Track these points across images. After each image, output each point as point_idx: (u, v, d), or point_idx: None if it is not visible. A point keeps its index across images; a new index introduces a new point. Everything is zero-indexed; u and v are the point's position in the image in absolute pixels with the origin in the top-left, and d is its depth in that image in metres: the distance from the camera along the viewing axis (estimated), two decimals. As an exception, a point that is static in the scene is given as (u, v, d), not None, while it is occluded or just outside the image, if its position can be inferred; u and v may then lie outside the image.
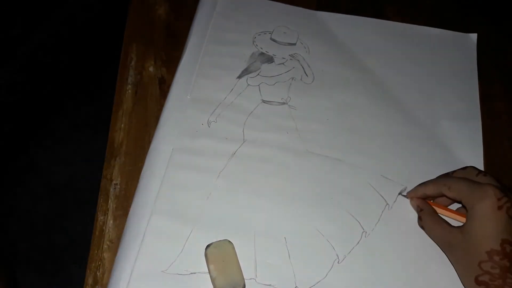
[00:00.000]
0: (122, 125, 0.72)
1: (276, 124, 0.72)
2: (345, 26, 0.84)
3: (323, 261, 0.62)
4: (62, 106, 1.76)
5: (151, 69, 0.78)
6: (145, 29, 0.83)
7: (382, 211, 0.66)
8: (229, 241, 0.60)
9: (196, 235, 0.62)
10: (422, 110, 0.76)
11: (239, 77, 0.76)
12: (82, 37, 1.90)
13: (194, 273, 0.59)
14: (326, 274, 0.61)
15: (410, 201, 0.66)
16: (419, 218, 0.64)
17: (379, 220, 0.65)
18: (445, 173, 0.64)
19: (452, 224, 0.60)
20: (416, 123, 0.75)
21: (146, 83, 0.77)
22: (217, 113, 0.72)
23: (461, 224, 0.59)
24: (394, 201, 0.67)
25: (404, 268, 0.62)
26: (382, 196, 0.67)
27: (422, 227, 0.63)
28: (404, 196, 0.66)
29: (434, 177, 0.66)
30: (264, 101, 0.74)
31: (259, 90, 0.75)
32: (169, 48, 0.81)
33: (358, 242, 0.63)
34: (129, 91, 0.76)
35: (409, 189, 0.67)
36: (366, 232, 0.64)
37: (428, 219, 0.62)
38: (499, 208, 0.54)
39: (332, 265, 0.61)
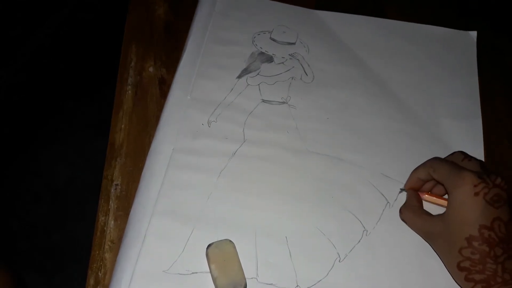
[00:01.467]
0: (123, 126, 0.73)
1: (276, 124, 0.72)
2: (345, 25, 0.84)
3: (324, 260, 0.62)
4: (63, 106, 1.77)
5: (151, 69, 0.78)
6: (145, 29, 0.83)
7: (383, 210, 0.66)
8: (230, 241, 0.60)
9: (197, 234, 0.62)
10: (422, 108, 0.76)
11: (239, 76, 0.76)
12: (82, 37, 1.90)
13: (196, 272, 0.59)
14: (328, 273, 0.61)
15: (407, 194, 0.66)
16: (400, 214, 0.64)
17: (380, 218, 0.65)
18: (436, 156, 0.64)
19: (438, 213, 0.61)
20: (416, 121, 0.75)
21: (146, 83, 0.77)
22: (217, 113, 0.72)
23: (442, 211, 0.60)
24: (395, 200, 0.67)
25: (405, 266, 0.62)
26: (382, 195, 0.67)
27: (403, 221, 0.64)
28: (405, 190, 0.67)
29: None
30: (264, 101, 0.74)
31: (259, 90, 0.75)
32: (169, 48, 0.81)
33: (359, 241, 0.63)
34: (129, 91, 0.76)
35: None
36: (367, 230, 0.64)
37: (407, 213, 0.63)
38: (476, 194, 0.54)
39: (334, 263, 0.61)
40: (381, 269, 0.62)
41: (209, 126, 0.71)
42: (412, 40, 0.83)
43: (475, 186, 0.55)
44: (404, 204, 0.64)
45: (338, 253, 0.62)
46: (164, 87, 0.76)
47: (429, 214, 0.61)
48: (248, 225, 0.63)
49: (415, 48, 0.82)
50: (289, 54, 0.79)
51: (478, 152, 0.72)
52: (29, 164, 1.66)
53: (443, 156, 0.68)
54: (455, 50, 0.83)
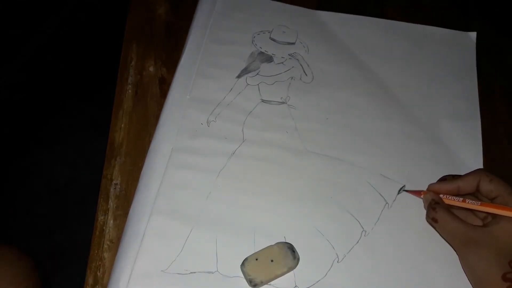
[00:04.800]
0: (122, 125, 0.73)
1: (275, 124, 0.72)
2: (345, 25, 0.84)
3: (322, 260, 0.62)
4: (63, 106, 1.76)
5: (151, 69, 0.78)
6: (145, 29, 0.83)
7: (382, 210, 0.66)
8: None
9: (196, 234, 0.62)
10: (422, 109, 0.76)
11: (239, 76, 0.76)
12: (82, 37, 1.90)
13: (194, 272, 0.59)
14: (326, 274, 0.61)
15: (425, 195, 0.65)
16: (432, 212, 0.62)
17: (378, 219, 0.65)
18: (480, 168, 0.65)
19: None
20: (415, 122, 0.75)
21: (146, 83, 0.77)
22: (217, 113, 0.72)
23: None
24: (394, 200, 0.67)
25: (404, 267, 0.62)
26: (381, 195, 0.67)
27: (432, 222, 0.62)
28: (406, 191, 0.67)
29: (433, 176, 0.66)
30: (263, 101, 0.74)
31: (258, 90, 0.75)
32: (169, 48, 0.81)
33: (358, 242, 0.63)
34: (129, 91, 0.76)
35: (408, 187, 0.67)
36: (365, 231, 0.64)
37: (444, 213, 0.61)
38: None
39: (332, 264, 0.61)
40: (380, 270, 0.62)
41: (209, 126, 0.71)
42: (412, 40, 0.83)
43: None
44: (438, 204, 0.62)
45: (336, 254, 0.62)
46: (164, 86, 0.76)
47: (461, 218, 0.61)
48: (247, 224, 0.63)
49: (415, 49, 0.82)
50: (288, 54, 0.79)
51: (476, 152, 0.72)
52: (29, 164, 1.66)
53: (442, 156, 0.68)
54: (454, 51, 0.83)
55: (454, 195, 0.63)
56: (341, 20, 0.85)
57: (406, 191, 0.67)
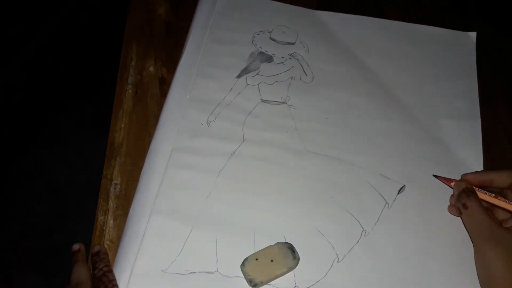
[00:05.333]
0: (122, 125, 0.73)
1: (275, 123, 0.72)
2: (345, 25, 0.84)
3: (322, 260, 0.62)
4: (63, 106, 1.76)
5: (151, 69, 0.78)
6: (145, 29, 0.83)
7: (382, 210, 0.66)
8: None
9: (196, 234, 0.62)
10: (422, 109, 0.76)
11: (238, 76, 0.76)
12: (82, 37, 1.90)
13: (194, 272, 0.59)
14: (326, 273, 0.61)
15: (457, 183, 0.64)
16: (465, 197, 0.61)
17: (378, 219, 0.65)
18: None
19: None
20: (415, 122, 0.75)
21: (146, 83, 0.77)
22: (217, 113, 0.73)
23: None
24: (394, 200, 0.67)
25: (404, 267, 0.62)
26: (381, 195, 0.67)
27: (462, 208, 0.61)
28: (436, 176, 0.67)
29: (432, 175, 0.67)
30: (263, 100, 0.74)
31: (258, 90, 0.75)
32: (169, 48, 0.81)
33: (358, 241, 0.63)
34: (129, 91, 0.76)
35: (408, 187, 0.68)
36: (365, 231, 0.64)
37: (476, 203, 0.60)
38: None
39: (332, 264, 0.61)
40: (379, 270, 0.62)
41: (208, 126, 0.71)
42: (412, 40, 0.83)
43: None
44: (471, 196, 0.61)
45: (336, 254, 0.62)
46: (164, 86, 0.76)
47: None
48: (247, 224, 0.63)
49: (414, 49, 0.82)
50: (288, 54, 0.79)
51: (476, 152, 0.72)
52: (29, 164, 1.65)
53: (442, 156, 0.68)
54: (454, 51, 0.83)
55: (486, 188, 0.63)
56: (341, 20, 0.85)
57: (436, 176, 0.67)
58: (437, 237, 0.64)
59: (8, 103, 1.75)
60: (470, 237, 0.61)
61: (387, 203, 0.66)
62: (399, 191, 0.67)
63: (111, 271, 0.59)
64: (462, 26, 0.85)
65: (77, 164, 1.65)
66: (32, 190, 1.61)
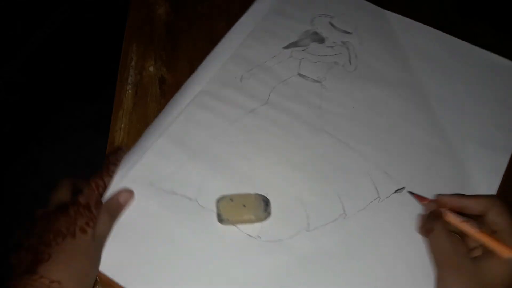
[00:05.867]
0: (123, 125, 0.74)
1: (302, 97, 0.75)
2: (409, 31, 0.85)
3: (293, 224, 0.64)
4: (63, 106, 1.75)
5: (151, 69, 0.80)
6: (145, 29, 0.84)
7: (371, 202, 0.66)
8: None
9: (191, 163, 0.67)
10: (454, 127, 0.74)
11: (286, 47, 0.80)
12: (83, 37, 1.89)
13: (176, 194, 0.65)
14: (291, 236, 0.63)
15: (429, 202, 0.64)
16: (431, 222, 0.61)
17: (364, 208, 0.66)
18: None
19: None
20: (443, 137, 0.73)
21: (146, 83, 0.78)
22: (253, 72, 0.77)
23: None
24: (387, 197, 0.67)
25: (370, 260, 0.63)
26: (376, 189, 0.67)
27: (426, 232, 0.61)
28: (411, 193, 0.66)
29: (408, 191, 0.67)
30: (299, 74, 0.77)
31: (299, 64, 0.78)
32: (169, 48, 0.82)
33: (334, 221, 0.64)
34: (129, 91, 0.77)
35: (408, 189, 0.67)
36: (346, 214, 0.65)
37: (442, 228, 0.59)
38: None
39: (300, 231, 0.64)
40: (345, 253, 0.63)
41: (241, 81, 0.76)
42: (467, 61, 0.82)
43: None
44: (438, 220, 0.60)
45: (308, 223, 0.64)
46: (164, 86, 0.78)
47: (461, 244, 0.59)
48: (238, 171, 0.67)
49: (468, 69, 0.81)
50: (341, 41, 0.81)
51: (492, 184, 0.70)
52: (29, 164, 1.65)
53: (457, 178, 0.68)
54: (508, 81, 0.80)
55: (457, 212, 0.61)
56: (408, 26, 0.85)
57: (411, 193, 0.67)
58: (410, 248, 0.63)
59: (8, 103, 1.76)
60: (433, 262, 0.60)
61: (379, 197, 0.67)
62: (397, 190, 0.67)
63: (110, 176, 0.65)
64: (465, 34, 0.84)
65: (77, 164, 1.64)
66: (32, 189, 1.58)
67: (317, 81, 0.77)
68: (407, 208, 0.65)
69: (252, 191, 0.65)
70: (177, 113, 0.72)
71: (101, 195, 0.62)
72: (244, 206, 0.62)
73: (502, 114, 0.76)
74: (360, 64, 0.80)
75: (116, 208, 0.62)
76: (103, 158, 0.69)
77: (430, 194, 0.66)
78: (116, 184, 0.65)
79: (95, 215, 0.58)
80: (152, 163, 0.67)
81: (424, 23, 0.85)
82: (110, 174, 0.64)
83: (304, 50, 0.80)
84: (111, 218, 0.61)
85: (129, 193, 0.63)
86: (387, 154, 0.70)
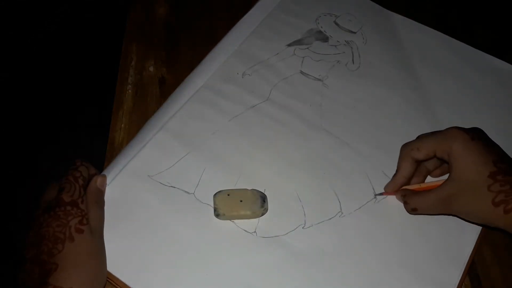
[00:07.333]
0: (123, 125, 0.73)
1: (303, 95, 0.75)
2: (414, 33, 0.85)
3: (289, 220, 0.64)
4: (63, 106, 1.76)
5: (151, 69, 0.79)
6: (145, 29, 0.84)
7: (367, 202, 0.66)
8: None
9: (189, 158, 0.68)
10: None
11: (289, 45, 0.80)
12: (83, 37, 1.87)
13: (174, 187, 0.65)
14: (287, 233, 0.63)
15: (396, 196, 0.66)
16: (406, 205, 0.63)
17: (360, 207, 0.65)
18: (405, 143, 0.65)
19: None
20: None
21: (146, 83, 0.78)
22: (255, 69, 0.77)
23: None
24: (384, 198, 0.66)
25: (365, 259, 0.62)
26: (373, 188, 0.67)
27: (414, 211, 0.63)
28: (380, 194, 0.67)
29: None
30: (301, 72, 0.77)
31: (302, 62, 0.78)
32: (169, 48, 0.82)
33: (331, 219, 0.64)
34: (129, 91, 0.77)
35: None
36: (342, 213, 0.65)
37: (414, 198, 0.62)
38: (472, 139, 0.57)
39: (296, 227, 0.63)
40: (341, 252, 0.62)
41: (243, 77, 0.76)
42: (474, 67, 0.81)
43: (467, 133, 0.58)
44: (406, 195, 0.63)
45: (305, 220, 0.64)
46: (164, 86, 0.77)
47: (430, 190, 0.61)
48: (236, 166, 0.68)
49: (474, 75, 0.80)
50: (345, 40, 0.81)
51: None
52: (29, 163, 1.64)
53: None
54: (509, 87, 0.80)
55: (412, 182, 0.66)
56: (413, 28, 0.85)
57: (380, 194, 0.67)
58: (406, 248, 0.63)
59: (8, 103, 1.75)
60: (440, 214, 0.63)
61: (375, 197, 0.66)
62: (376, 195, 0.67)
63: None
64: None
65: (77, 164, 1.63)
66: (32, 190, 1.58)
67: (318, 80, 0.77)
68: (403, 208, 0.65)
69: (249, 186, 0.65)
70: (177, 107, 0.72)
71: (83, 186, 0.60)
72: (241, 201, 0.62)
73: (502, 118, 0.76)
74: (363, 64, 0.80)
75: (99, 195, 0.61)
76: (103, 158, 0.69)
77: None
78: (114, 177, 0.65)
79: (84, 210, 0.57)
80: (151, 157, 0.67)
81: (427, 25, 0.85)
82: (84, 164, 0.63)
83: (307, 48, 0.80)
84: (100, 207, 0.60)
85: (102, 177, 0.63)
86: (386, 154, 0.70)
